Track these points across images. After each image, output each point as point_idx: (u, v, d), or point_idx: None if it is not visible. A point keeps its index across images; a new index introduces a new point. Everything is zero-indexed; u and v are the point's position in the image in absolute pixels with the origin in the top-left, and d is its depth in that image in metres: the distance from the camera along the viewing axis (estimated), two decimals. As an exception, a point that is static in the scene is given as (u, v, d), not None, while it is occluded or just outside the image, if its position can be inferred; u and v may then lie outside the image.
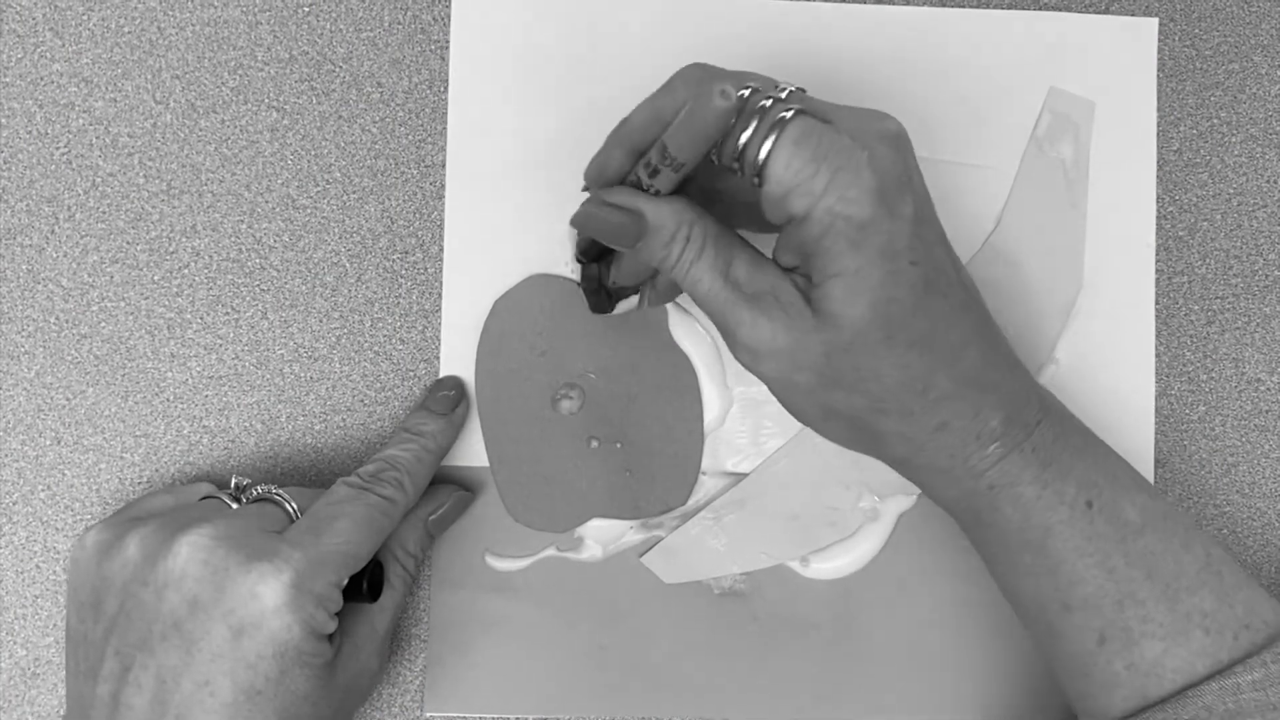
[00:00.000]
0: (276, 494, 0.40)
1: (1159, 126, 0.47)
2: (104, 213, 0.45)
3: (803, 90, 0.36)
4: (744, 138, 0.34)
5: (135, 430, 0.45)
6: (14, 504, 0.45)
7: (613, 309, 0.45)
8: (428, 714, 0.45)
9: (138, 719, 0.35)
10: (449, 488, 0.44)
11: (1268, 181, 0.47)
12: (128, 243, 0.45)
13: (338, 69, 0.46)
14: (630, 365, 0.46)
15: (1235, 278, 0.47)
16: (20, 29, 0.45)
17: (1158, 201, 0.47)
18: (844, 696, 0.45)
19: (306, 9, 0.46)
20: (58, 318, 0.45)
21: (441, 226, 0.46)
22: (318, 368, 0.45)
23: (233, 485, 0.41)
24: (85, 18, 0.45)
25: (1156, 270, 0.47)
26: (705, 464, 0.46)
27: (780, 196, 0.34)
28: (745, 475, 0.46)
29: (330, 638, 0.38)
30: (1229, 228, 0.47)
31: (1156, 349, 0.47)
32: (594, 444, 0.45)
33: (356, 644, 0.39)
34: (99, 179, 0.45)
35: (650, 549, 0.45)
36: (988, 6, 0.47)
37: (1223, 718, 0.35)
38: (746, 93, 0.34)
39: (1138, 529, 0.37)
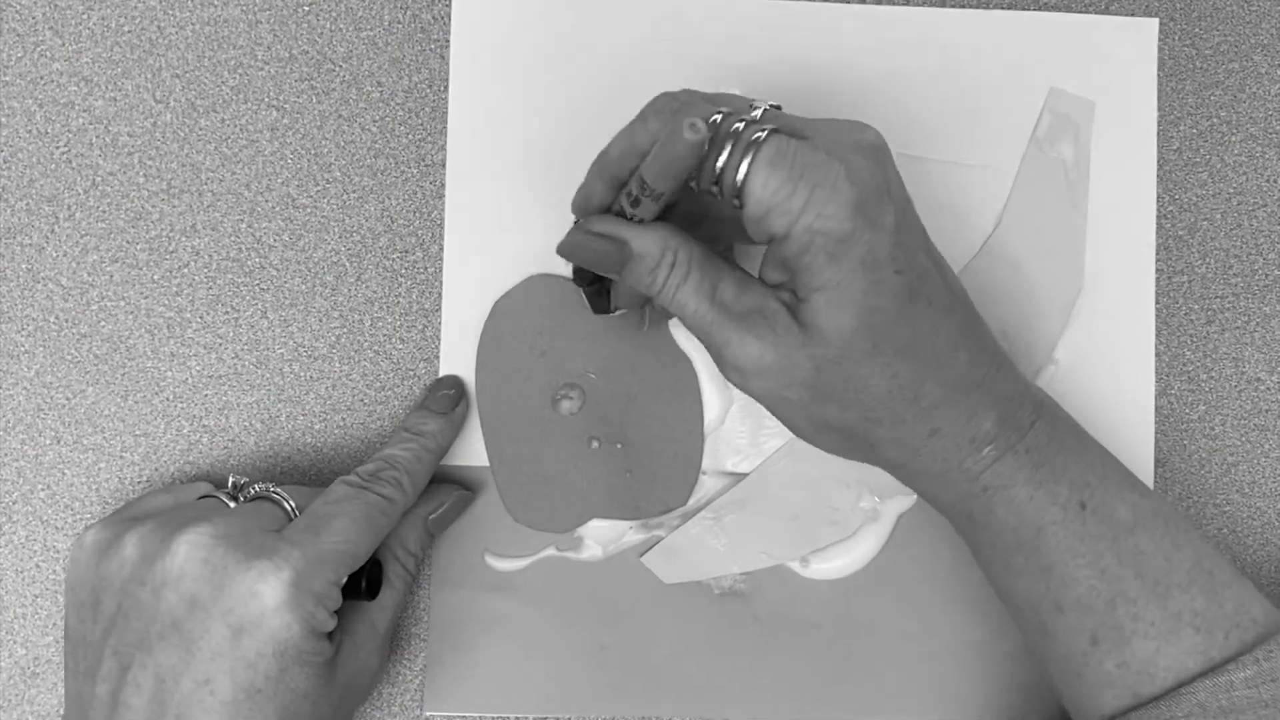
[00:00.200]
0: (275, 492, 0.40)
1: (1159, 126, 0.47)
2: (104, 212, 0.45)
3: (778, 107, 0.36)
4: (720, 163, 0.34)
5: (135, 430, 0.45)
6: (14, 503, 0.45)
7: (612, 309, 0.45)
8: (427, 713, 0.45)
9: (137, 718, 0.35)
10: (449, 487, 0.44)
11: (1268, 181, 0.47)
12: (128, 242, 0.45)
13: (338, 68, 0.46)
14: (630, 365, 0.46)
15: (1235, 277, 0.47)
16: (20, 28, 0.45)
17: (1158, 201, 0.47)
18: (844, 696, 0.45)
19: (306, 9, 0.46)
20: (58, 317, 0.45)
21: (441, 226, 0.46)
22: (318, 368, 0.45)
23: (230, 484, 0.41)
24: (85, 17, 0.45)
25: (1156, 270, 0.47)
26: (705, 464, 0.46)
27: (760, 217, 0.34)
28: (745, 475, 0.46)
29: (330, 636, 0.38)
30: (1229, 227, 0.47)
31: (1156, 349, 0.47)
32: (594, 444, 0.45)
33: (356, 642, 0.39)
34: (99, 178, 0.45)
35: (650, 549, 0.45)
36: (988, 7, 0.47)
37: (1216, 715, 0.35)
38: (718, 118, 0.34)
39: (1129, 528, 0.37)
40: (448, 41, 0.46)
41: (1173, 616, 0.36)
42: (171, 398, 0.45)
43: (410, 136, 0.46)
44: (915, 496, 0.46)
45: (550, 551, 0.45)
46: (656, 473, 0.45)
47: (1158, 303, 0.47)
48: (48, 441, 0.45)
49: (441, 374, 0.45)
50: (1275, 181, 0.48)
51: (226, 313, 0.45)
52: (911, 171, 0.46)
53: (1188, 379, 0.47)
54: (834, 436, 0.37)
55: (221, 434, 0.45)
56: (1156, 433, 0.47)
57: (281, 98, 0.46)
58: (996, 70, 0.47)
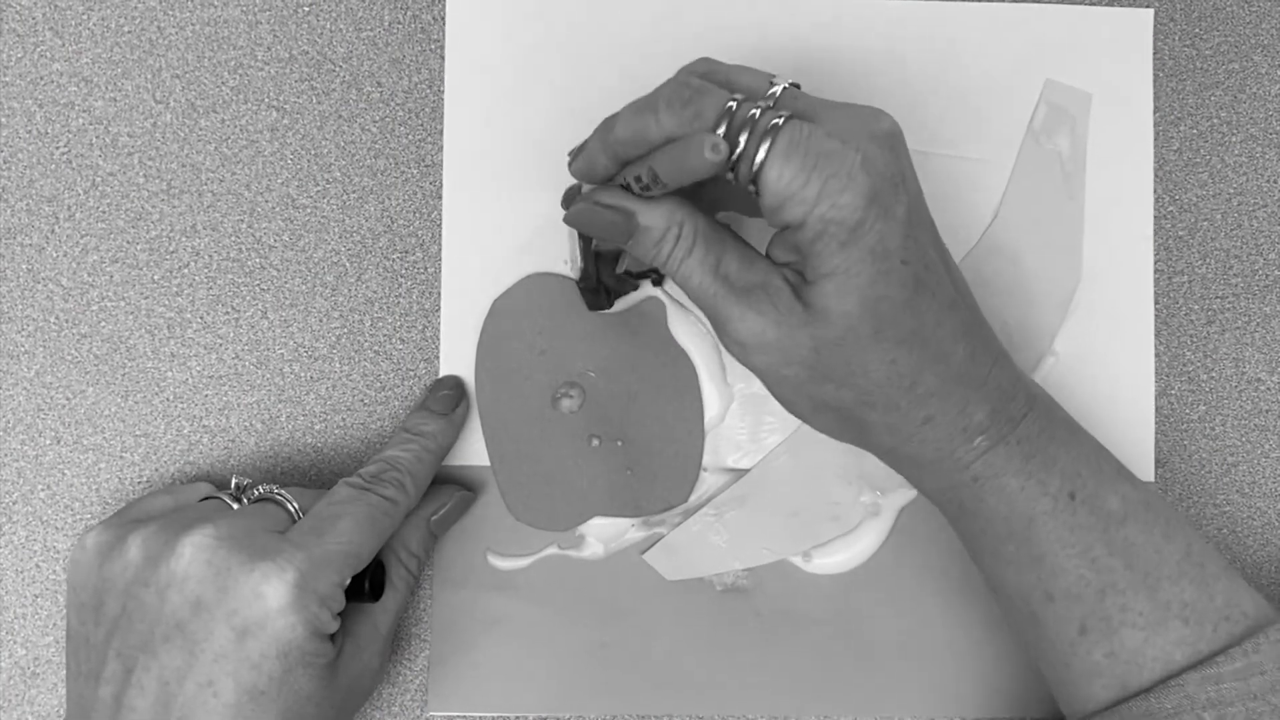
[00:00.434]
0: (278, 494, 0.40)
1: (1159, 126, 0.47)
2: (104, 212, 0.45)
3: (796, 86, 0.36)
4: (736, 153, 0.34)
5: (135, 430, 0.45)
6: (14, 504, 0.45)
7: (610, 306, 0.45)
8: (431, 713, 0.45)
9: (140, 720, 0.35)
10: (450, 488, 0.44)
11: (1268, 181, 0.48)
12: (128, 242, 0.45)
13: (338, 69, 0.46)
14: (630, 363, 0.46)
15: (1235, 277, 0.47)
16: (20, 29, 0.45)
17: (1157, 201, 0.47)
18: (846, 691, 0.45)
19: (306, 9, 0.46)
20: (58, 317, 0.45)
21: (441, 226, 0.46)
22: (318, 368, 0.45)
23: (233, 485, 0.41)
24: (85, 17, 0.45)
25: (1156, 270, 0.47)
26: (706, 461, 0.46)
27: (776, 207, 0.34)
28: (746, 471, 0.46)
29: (333, 638, 0.38)
30: (1229, 227, 0.47)
31: (1156, 349, 0.47)
32: (595, 442, 0.45)
33: (359, 644, 0.40)
34: (99, 179, 0.45)
35: (652, 546, 0.46)
36: None
37: (1204, 707, 0.35)
38: (734, 105, 0.34)
39: (1120, 519, 0.37)
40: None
41: (1161, 607, 0.37)
42: (172, 398, 0.45)
43: (410, 137, 0.46)
44: (916, 491, 0.46)
45: (552, 550, 0.45)
46: (657, 470, 0.45)
47: (1157, 304, 0.47)
48: (48, 441, 0.45)
49: (441, 374, 0.45)
50: (1275, 181, 0.48)
51: (226, 313, 0.45)
52: (909, 166, 0.46)
53: (1188, 379, 0.47)
54: (829, 416, 0.37)
55: (222, 434, 0.45)
56: (1156, 433, 0.47)
57: (281, 98, 0.46)
58: (992, 62, 0.47)
